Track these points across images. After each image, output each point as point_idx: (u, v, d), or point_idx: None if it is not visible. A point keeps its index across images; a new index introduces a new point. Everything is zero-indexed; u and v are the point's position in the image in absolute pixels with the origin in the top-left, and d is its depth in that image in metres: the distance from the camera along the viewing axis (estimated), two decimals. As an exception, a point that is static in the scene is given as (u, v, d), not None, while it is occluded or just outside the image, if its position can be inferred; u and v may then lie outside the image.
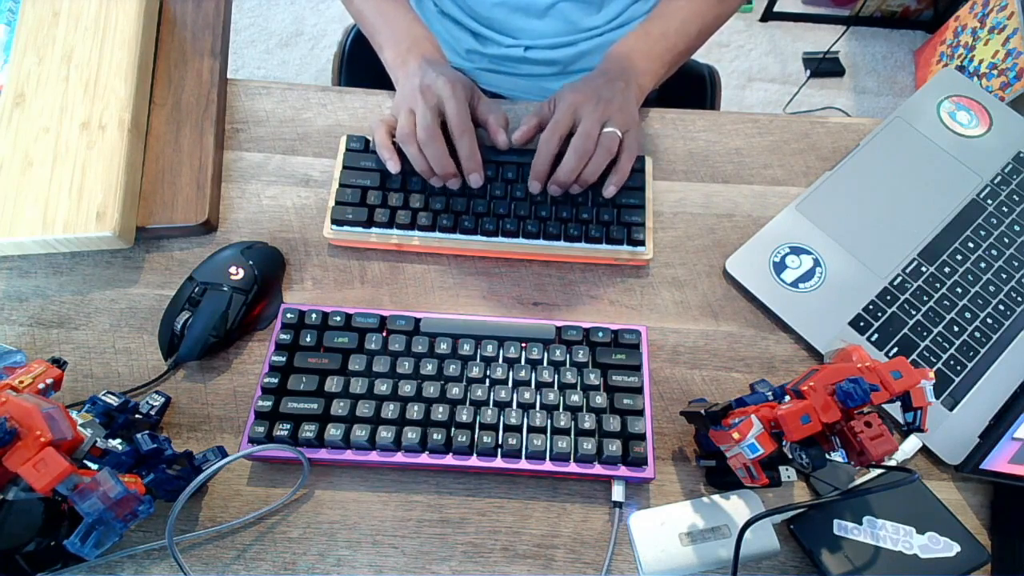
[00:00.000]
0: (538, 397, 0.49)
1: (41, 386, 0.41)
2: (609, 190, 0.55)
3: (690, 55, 0.63)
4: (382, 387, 0.48)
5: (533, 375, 0.50)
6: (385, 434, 0.46)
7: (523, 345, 0.51)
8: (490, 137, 0.56)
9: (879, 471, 0.49)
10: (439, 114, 0.53)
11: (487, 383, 0.49)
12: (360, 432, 0.46)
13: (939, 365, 0.53)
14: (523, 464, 0.47)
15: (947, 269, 0.57)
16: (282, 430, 0.47)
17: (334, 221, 0.55)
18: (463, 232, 0.55)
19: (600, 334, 0.51)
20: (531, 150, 0.57)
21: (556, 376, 0.50)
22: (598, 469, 0.47)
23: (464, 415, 0.47)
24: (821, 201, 0.59)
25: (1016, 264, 0.57)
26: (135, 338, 0.54)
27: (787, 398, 0.41)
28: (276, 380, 0.49)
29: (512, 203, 0.56)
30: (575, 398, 0.49)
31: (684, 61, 0.63)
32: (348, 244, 0.57)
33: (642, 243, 0.55)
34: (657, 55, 0.59)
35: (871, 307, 0.55)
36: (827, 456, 0.39)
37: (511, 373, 0.50)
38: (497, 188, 0.56)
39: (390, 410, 0.47)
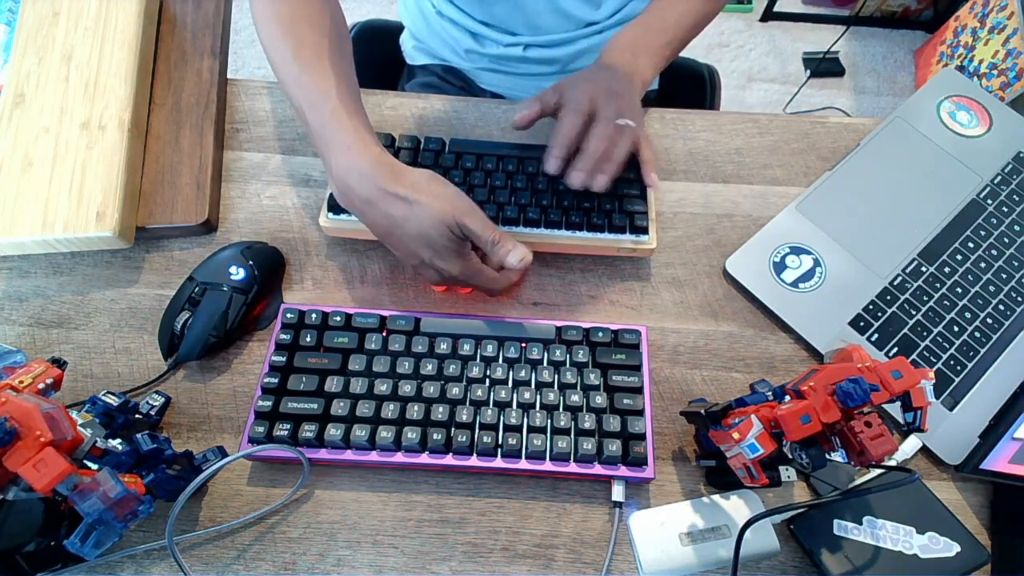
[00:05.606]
0: (538, 397, 0.49)
1: (41, 386, 0.41)
2: (651, 178, 0.52)
3: (682, 49, 0.63)
4: (382, 387, 0.48)
5: (533, 375, 0.50)
6: (385, 434, 0.46)
7: (523, 345, 0.51)
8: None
9: (879, 471, 0.49)
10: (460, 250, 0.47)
11: (487, 383, 0.49)
12: (360, 432, 0.46)
13: (939, 365, 0.53)
14: (523, 464, 0.47)
15: (947, 269, 0.57)
16: (282, 430, 0.47)
17: (331, 208, 0.55)
18: None
19: (600, 334, 0.51)
20: (533, 144, 0.57)
21: (556, 376, 0.50)
22: (598, 469, 0.47)
23: (464, 415, 0.47)
24: (821, 201, 0.59)
25: (1016, 264, 0.57)
26: (135, 338, 0.54)
27: (787, 398, 0.41)
28: (276, 380, 0.49)
29: (512, 192, 0.55)
30: (575, 398, 0.49)
31: (676, 56, 0.62)
32: (345, 235, 0.56)
33: (645, 231, 0.55)
34: (658, 48, 0.59)
35: (871, 307, 0.55)
36: (827, 456, 0.39)
37: (511, 373, 0.50)
38: (497, 179, 0.56)
39: (390, 410, 0.47)
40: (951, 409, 0.52)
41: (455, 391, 0.48)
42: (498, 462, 0.47)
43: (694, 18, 0.61)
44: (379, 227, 0.48)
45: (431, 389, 0.48)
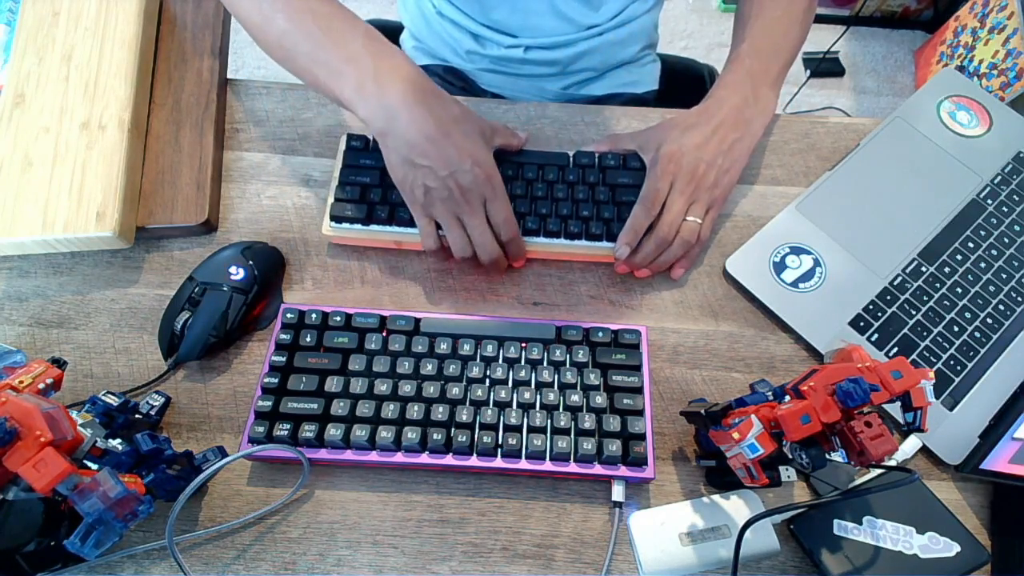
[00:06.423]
0: (538, 397, 0.49)
1: (41, 386, 0.41)
2: (676, 272, 0.56)
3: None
4: (382, 387, 0.48)
5: (533, 375, 0.50)
6: (385, 434, 0.46)
7: (523, 345, 0.51)
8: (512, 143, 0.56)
9: (879, 471, 0.49)
10: (484, 216, 0.51)
11: (487, 383, 0.49)
12: (360, 432, 0.46)
13: (939, 365, 0.53)
14: (523, 464, 0.47)
15: (947, 269, 0.57)
16: (282, 430, 0.47)
17: (333, 218, 0.55)
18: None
19: (600, 334, 0.51)
20: (532, 150, 0.57)
21: (556, 376, 0.50)
22: (598, 469, 0.47)
23: (464, 415, 0.47)
24: (821, 201, 0.59)
25: (1016, 264, 0.57)
26: (135, 338, 0.54)
27: (787, 398, 0.41)
28: (276, 380, 0.49)
29: (511, 200, 0.55)
30: (575, 398, 0.49)
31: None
32: (347, 242, 0.57)
33: None
34: (777, 74, 0.57)
35: (871, 307, 0.55)
36: (827, 456, 0.39)
37: (511, 373, 0.50)
38: None
39: (390, 410, 0.47)
40: (951, 409, 0.52)
41: (455, 391, 0.48)
42: (498, 462, 0.47)
43: (800, 29, 0.58)
44: (427, 127, 0.47)
45: (431, 389, 0.48)
